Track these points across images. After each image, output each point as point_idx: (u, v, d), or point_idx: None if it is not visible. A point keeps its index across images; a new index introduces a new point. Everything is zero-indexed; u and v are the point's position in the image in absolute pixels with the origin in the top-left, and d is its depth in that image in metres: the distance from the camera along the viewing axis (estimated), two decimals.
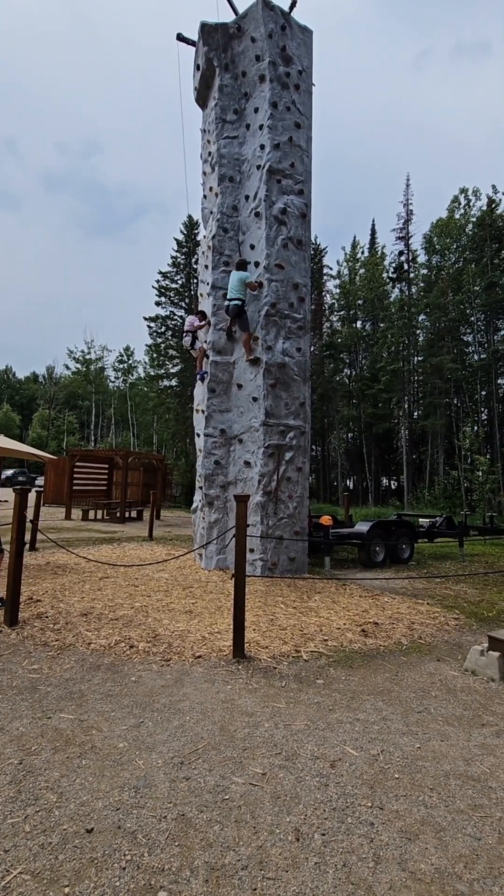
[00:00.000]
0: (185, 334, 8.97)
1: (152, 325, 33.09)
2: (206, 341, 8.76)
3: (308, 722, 3.13)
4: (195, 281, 32.19)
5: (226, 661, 4.05)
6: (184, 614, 5.27)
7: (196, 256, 32.02)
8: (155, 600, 5.86)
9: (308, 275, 8.49)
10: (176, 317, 33.07)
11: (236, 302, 7.98)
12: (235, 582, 4.18)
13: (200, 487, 8.42)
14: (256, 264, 8.25)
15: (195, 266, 32.19)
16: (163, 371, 34.06)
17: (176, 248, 33.72)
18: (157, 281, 33.24)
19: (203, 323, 8.81)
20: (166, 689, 3.52)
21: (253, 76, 8.67)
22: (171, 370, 33.54)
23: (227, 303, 8.18)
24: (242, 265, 8.26)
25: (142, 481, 22.99)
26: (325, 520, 8.36)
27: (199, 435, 8.65)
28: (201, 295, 9.52)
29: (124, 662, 3.97)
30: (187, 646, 4.32)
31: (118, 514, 16.52)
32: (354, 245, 40.66)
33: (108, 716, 3.13)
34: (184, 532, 14.12)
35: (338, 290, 39.54)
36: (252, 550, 7.57)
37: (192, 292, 32.38)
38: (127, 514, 17.35)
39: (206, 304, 9.04)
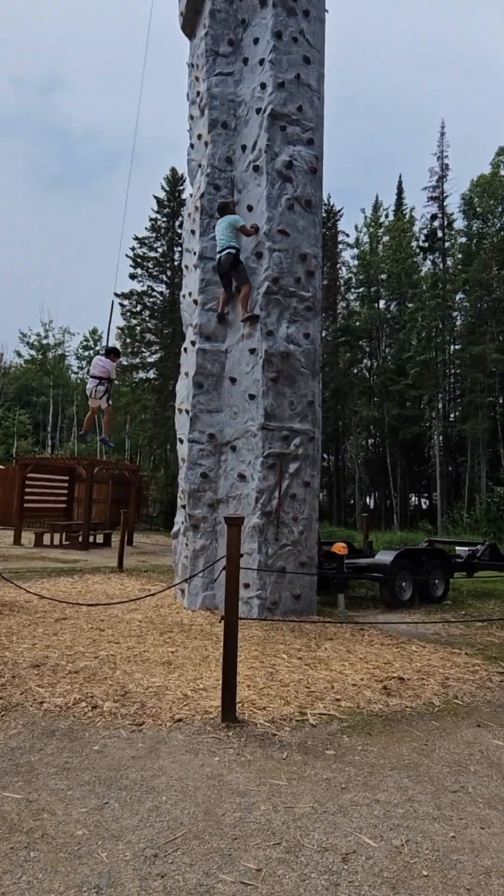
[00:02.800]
0: (95, 381, 9.56)
1: (125, 302, 33.47)
2: (192, 324, 8.83)
3: (315, 804, 3.14)
4: (179, 249, 32.40)
5: (213, 725, 4.06)
6: (161, 666, 5.35)
7: (180, 219, 32.22)
8: (125, 648, 5.94)
9: (319, 243, 8.54)
10: (155, 293, 33.42)
11: (229, 251, 8.02)
12: (226, 625, 4.20)
13: (183, 506, 8.48)
14: (255, 229, 8.33)
15: (179, 231, 32.45)
16: (138, 360, 34.30)
17: (156, 208, 34.19)
18: (132, 248, 33.69)
19: (116, 365, 9.57)
20: (137, 762, 3.53)
21: None
22: (149, 359, 33.79)
23: (217, 255, 8.23)
24: (226, 208, 8.33)
25: (111, 497, 23.14)
26: (339, 548, 8.35)
27: (182, 440, 8.70)
28: (186, 267, 9.58)
29: (85, 727, 3.99)
30: (165, 706, 4.36)
31: (80, 539, 16.68)
32: (377, 207, 41.03)
33: (63, 795, 3.13)
34: (162, 562, 14.18)
35: (356, 262, 39.96)
36: (247, 586, 7.63)
37: (176, 263, 32.60)
38: (91, 539, 17.47)
39: (191, 279, 9.11)
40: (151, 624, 7.13)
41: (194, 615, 7.76)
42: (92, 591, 9.45)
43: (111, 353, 10.03)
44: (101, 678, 4.93)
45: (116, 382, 9.57)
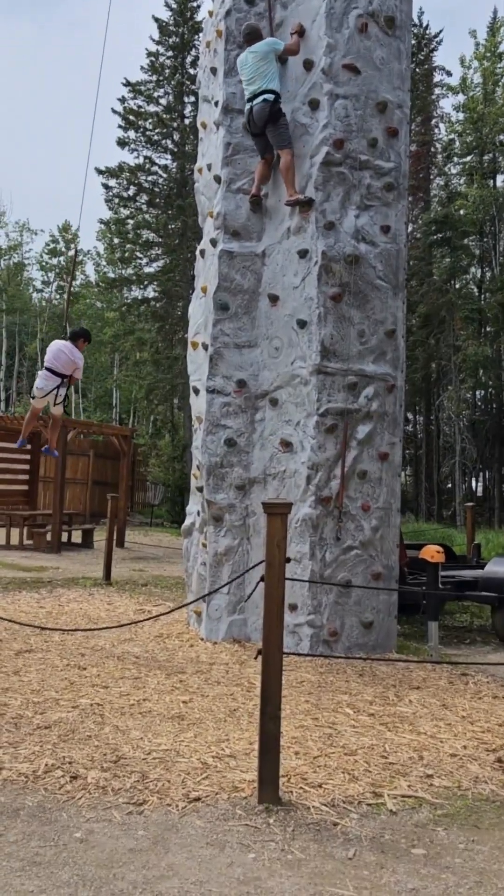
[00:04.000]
0: (55, 381, 8.13)
1: (112, 183, 28.67)
2: (213, 213, 8.04)
3: None
4: (192, 101, 27.87)
5: (245, 808, 3.79)
6: (169, 721, 5.09)
7: (194, 53, 27.83)
8: (116, 695, 5.68)
9: (406, 85, 7.75)
10: (156, 167, 28.98)
11: (264, 97, 7.15)
12: (263, 664, 3.97)
13: (199, 489, 8.15)
14: (308, 64, 7.29)
15: (192, 71, 27.79)
16: (132, 271, 30.38)
17: (157, 35, 28.91)
18: (122, 99, 28.16)
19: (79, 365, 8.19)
20: (137, 857, 3.24)
21: None
22: (147, 268, 29.71)
23: (248, 104, 7.37)
24: (254, 34, 7.38)
25: (91, 476, 22.17)
26: (432, 552, 7.78)
27: (197, 391, 8.30)
28: (202, 126, 8.93)
29: (62, 805, 3.75)
30: (175, 779, 4.08)
31: (49, 538, 15.90)
32: (494, 28, 33.09)
33: None
34: (168, 571, 13.77)
35: (461, 116, 33.28)
36: (294, 608, 7.18)
37: (188, 121, 28.20)
38: (65, 538, 16.66)
39: (212, 143, 8.38)
40: (153, 661, 6.87)
41: (216, 649, 7.41)
42: (67, 612, 9.20)
43: (79, 337, 8.51)
44: (84, 737, 4.69)
45: (80, 382, 8.36)
